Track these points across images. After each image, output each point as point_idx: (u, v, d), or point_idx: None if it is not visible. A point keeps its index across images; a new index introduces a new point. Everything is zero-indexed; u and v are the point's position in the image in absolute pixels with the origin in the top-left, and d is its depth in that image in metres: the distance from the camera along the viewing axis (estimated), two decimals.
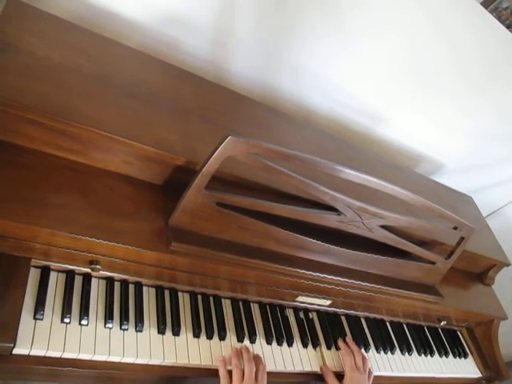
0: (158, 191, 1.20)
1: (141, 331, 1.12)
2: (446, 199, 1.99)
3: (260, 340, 1.31)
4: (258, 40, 1.69)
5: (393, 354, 1.58)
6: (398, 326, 1.68)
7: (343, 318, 1.55)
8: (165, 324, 1.16)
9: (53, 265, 1.06)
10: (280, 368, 1.29)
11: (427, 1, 1.62)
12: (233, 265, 1.20)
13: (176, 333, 1.17)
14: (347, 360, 1.40)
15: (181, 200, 1.10)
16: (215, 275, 1.22)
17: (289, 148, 1.10)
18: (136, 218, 1.10)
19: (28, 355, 0.97)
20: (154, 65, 1.44)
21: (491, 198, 2.50)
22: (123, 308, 1.12)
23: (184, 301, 1.24)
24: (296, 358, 1.34)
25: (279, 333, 1.35)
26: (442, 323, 1.75)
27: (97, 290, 1.12)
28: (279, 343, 1.34)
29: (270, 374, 1.23)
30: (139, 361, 1.09)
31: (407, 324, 1.72)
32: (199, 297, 1.28)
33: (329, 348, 1.43)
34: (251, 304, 1.37)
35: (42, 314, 1.00)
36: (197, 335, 1.20)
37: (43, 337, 0.98)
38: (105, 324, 1.08)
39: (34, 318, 0.99)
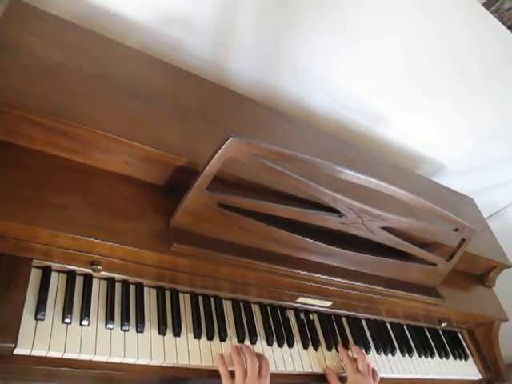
0: (159, 192, 1.20)
1: (141, 332, 1.12)
2: (447, 200, 1.99)
3: (261, 341, 1.31)
4: (258, 40, 1.69)
5: (393, 355, 1.58)
6: (398, 328, 1.68)
7: (344, 319, 1.55)
8: (165, 325, 1.16)
9: (54, 265, 1.06)
10: (280, 369, 1.29)
11: (428, 1, 1.62)
12: (234, 266, 1.19)
13: (177, 333, 1.17)
14: (348, 362, 1.39)
15: (182, 201, 1.10)
16: (216, 276, 1.22)
17: (290, 149, 1.10)
18: (137, 219, 1.10)
19: (29, 355, 0.97)
20: (155, 65, 1.44)
21: (492, 200, 2.50)
22: (124, 309, 1.12)
23: (185, 302, 1.24)
24: (296, 358, 1.34)
25: (280, 334, 1.35)
26: (443, 325, 1.75)
27: (98, 290, 1.12)
28: (280, 344, 1.34)
29: (270, 374, 1.23)
30: (140, 361, 1.09)
31: (408, 325, 1.72)
32: (200, 298, 1.27)
33: (329, 349, 1.43)
34: (252, 305, 1.37)
35: (43, 315, 1.00)
36: (197, 336, 1.20)
37: (44, 337, 0.98)
38: (106, 325, 1.08)
39: (35, 319, 0.99)
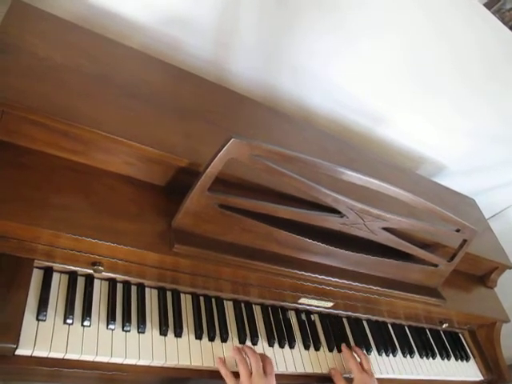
0: (161, 192, 1.20)
1: (143, 332, 1.12)
2: (448, 201, 1.99)
3: (262, 342, 1.31)
4: (258, 40, 1.69)
5: (394, 356, 1.58)
6: (399, 328, 1.68)
7: (345, 320, 1.55)
8: (167, 325, 1.16)
9: (55, 266, 1.06)
10: (282, 370, 1.29)
11: (428, 1, 1.62)
12: (235, 267, 1.19)
13: (178, 334, 1.17)
14: (353, 362, 1.39)
15: (184, 202, 1.10)
16: (217, 277, 1.22)
17: (290, 149, 1.10)
18: (138, 220, 1.10)
19: (30, 356, 0.97)
20: (155, 65, 1.44)
21: (494, 200, 2.50)
22: (125, 309, 1.12)
23: (186, 302, 1.24)
24: (298, 359, 1.34)
25: (281, 334, 1.35)
26: (444, 325, 1.75)
27: (99, 291, 1.12)
28: (281, 345, 1.34)
29: None
30: (141, 362, 1.09)
31: (409, 326, 1.72)
32: (201, 298, 1.27)
33: (331, 350, 1.43)
34: (253, 306, 1.37)
35: (45, 315, 1.00)
36: (199, 337, 1.20)
37: (46, 338, 0.98)
38: (107, 325, 1.08)
39: (37, 319, 0.99)
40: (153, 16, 1.55)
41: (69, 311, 1.03)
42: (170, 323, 1.17)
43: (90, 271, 1.08)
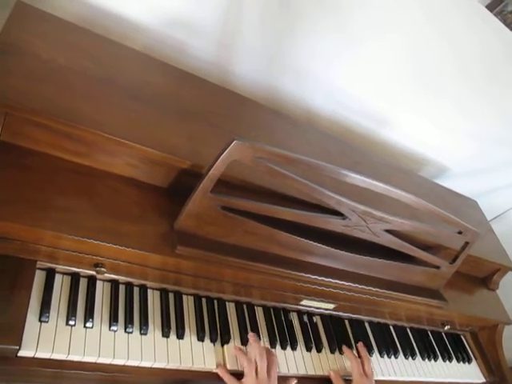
0: (163, 194, 1.20)
1: (145, 334, 1.12)
2: (451, 203, 1.99)
3: (264, 343, 1.31)
4: (261, 42, 1.69)
5: (396, 358, 1.58)
6: (401, 330, 1.68)
7: (347, 321, 1.55)
8: (169, 327, 1.16)
9: (58, 267, 1.07)
10: (284, 371, 1.29)
11: (429, 2, 1.62)
12: (237, 268, 1.19)
13: (180, 336, 1.17)
14: (355, 365, 1.39)
15: (186, 204, 1.10)
16: (220, 278, 1.22)
17: (293, 151, 1.10)
18: (141, 221, 1.11)
19: (33, 357, 0.97)
20: (159, 67, 1.44)
21: (496, 202, 2.49)
22: (128, 311, 1.12)
23: (188, 304, 1.24)
24: (299, 361, 1.34)
25: (283, 336, 1.35)
26: (446, 327, 1.75)
27: (102, 292, 1.12)
28: (283, 347, 1.34)
29: None
30: (144, 364, 1.09)
31: (411, 328, 1.72)
32: (203, 300, 1.28)
33: (332, 352, 1.43)
34: (255, 307, 1.37)
35: (48, 317, 1.00)
36: (201, 338, 1.20)
37: (48, 339, 0.99)
38: (109, 327, 1.08)
39: (40, 321, 0.99)
40: (157, 18, 1.55)
41: (71, 313, 1.03)
42: (173, 325, 1.17)
43: (93, 273, 1.09)
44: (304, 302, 1.38)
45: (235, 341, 1.26)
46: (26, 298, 0.97)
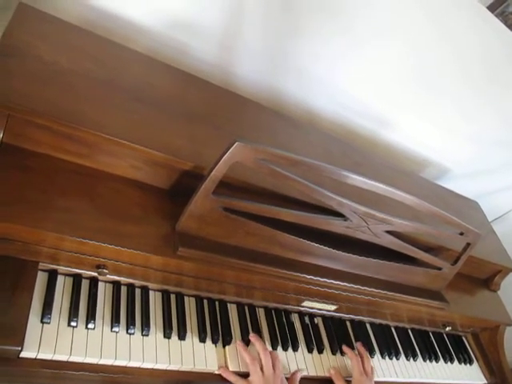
0: (165, 196, 1.20)
1: (147, 335, 1.12)
2: (452, 204, 1.99)
3: (265, 344, 1.31)
4: (263, 43, 1.69)
5: (397, 359, 1.58)
6: (402, 332, 1.68)
7: (348, 323, 1.55)
8: (171, 328, 1.16)
9: (60, 268, 1.07)
10: (285, 372, 1.29)
11: (431, 3, 1.62)
12: (239, 270, 1.20)
13: (182, 337, 1.17)
14: (356, 364, 1.40)
15: (188, 205, 1.10)
16: (221, 280, 1.22)
17: (295, 153, 1.10)
18: (143, 223, 1.11)
19: (35, 358, 0.97)
20: (161, 69, 1.44)
21: (497, 203, 2.49)
22: (129, 312, 1.12)
23: (190, 305, 1.25)
24: (301, 362, 1.34)
25: (284, 337, 1.35)
26: (447, 329, 1.74)
27: (103, 293, 1.12)
28: (284, 348, 1.34)
29: None
30: (145, 365, 1.09)
31: (412, 329, 1.72)
32: (205, 301, 1.28)
33: (334, 353, 1.43)
34: (257, 309, 1.37)
35: (49, 318, 1.00)
36: (202, 340, 1.20)
37: (50, 340, 0.99)
38: (111, 328, 1.08)
39: (41, 322, 1.00)
40: (160, 20, 1.55)
41: (73, 314, 1.04)
42: (174, 326, 1.18)
43: (95, 274, 1.09)
44: (305, 304, 1.38)
45: (237, 342, 1.26)
46: (27, 300, 0.97)
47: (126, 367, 1.07)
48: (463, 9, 1.63)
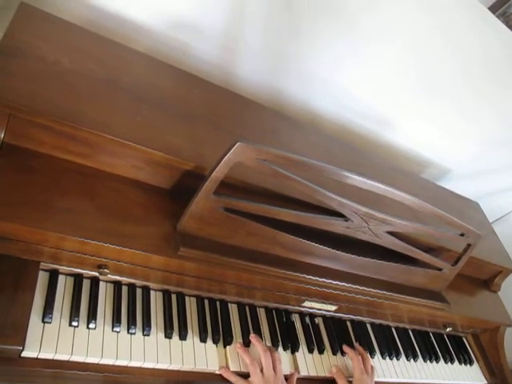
0: (167, 196, 1.20)
1: (148, 335, 1.12)
2: (453, 205, 1.99)
3: (266, 344, 1.31)
4: (265, 44, 1.70)
5: (398, 359, 1.58)
6: (403, 332, 1.68)
7: (349, 323, 1.55)
8: (172, 328, 1.16)
9: (61, 268, 1.07)
10: (285, 373, 1.29)
11: (432, 4, 1.62)
12: (240, 270, 1.20)
13: (183, 337, 1.17)
14: (356, 363, 1.40)
15: (189, 205, 1.10)
16: (222, 280, 1.22)
17: (296, 153, 1.10)
18: (144, 223, 1.11)
19: (36, 358, 0.97)
20: (162, 69, 1.44)
21: (497, 204, 2.50)
22: (131, 312, 1.12)
23: (191, 305, 1.25)
24: (302, 362, 1.34)
25: (285, 337, 1.36)
26: (448, 329, 1.75)
27: (104, 293, 1.12)
28: (285, 348, 1.34)
29: None
30: (146, 365, 1.09)
31: (413, 330, 1.72)
32: (206, 301, 1.28)
33: (334, 353, 1.43)
34: (257, 309, 1.37)
35: (51, 318, 1.01)
36: (203, 340, 1.20)
37: (51, 340, 0.99)
38: (112, 328, 1.08)
39: (43, 321, 1.00)
40: (162, 21, 1.55)
41: (74, 314, 1.04)
42: (175, 326, 1.18)
43: (96, 274, 1.09)
44: (306, 304, 1.38)
45: (236, 345, 1.26)
46: (29, 299, 0.98)
47: (126, 367, 1.07)
48: (464, 9, 1.63)
